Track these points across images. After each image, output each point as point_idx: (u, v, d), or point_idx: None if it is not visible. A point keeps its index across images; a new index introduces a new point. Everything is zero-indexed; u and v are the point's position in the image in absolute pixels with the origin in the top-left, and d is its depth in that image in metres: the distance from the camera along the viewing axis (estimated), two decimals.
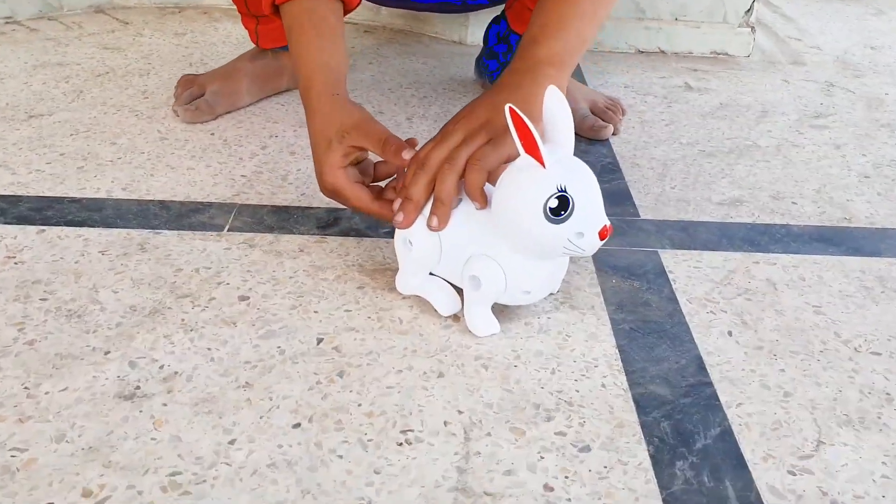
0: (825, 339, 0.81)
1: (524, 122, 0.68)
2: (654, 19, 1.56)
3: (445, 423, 0.69)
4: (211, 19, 1.65)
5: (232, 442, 0.66)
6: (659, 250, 0.95)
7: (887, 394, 0.74)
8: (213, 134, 1.18)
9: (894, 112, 1.37)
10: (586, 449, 0.67)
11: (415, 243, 0.79)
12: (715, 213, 1.03)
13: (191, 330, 0.78)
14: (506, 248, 0.74)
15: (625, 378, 0.75)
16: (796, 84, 1.48)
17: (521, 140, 0.69)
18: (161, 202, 0.99)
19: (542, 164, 0.69)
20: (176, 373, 0.73)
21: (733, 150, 1.21)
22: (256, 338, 0.78)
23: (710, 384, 0.75)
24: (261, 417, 0.68)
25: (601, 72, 1.48)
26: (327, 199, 0.89)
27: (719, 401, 0.73)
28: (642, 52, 1.59)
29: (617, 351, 0.78)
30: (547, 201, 0.69)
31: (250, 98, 1.27)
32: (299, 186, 1.04)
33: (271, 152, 1.13)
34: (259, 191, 1.03)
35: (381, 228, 0.96)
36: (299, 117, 1.24)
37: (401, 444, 0.66)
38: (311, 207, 1.00)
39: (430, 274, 0.82)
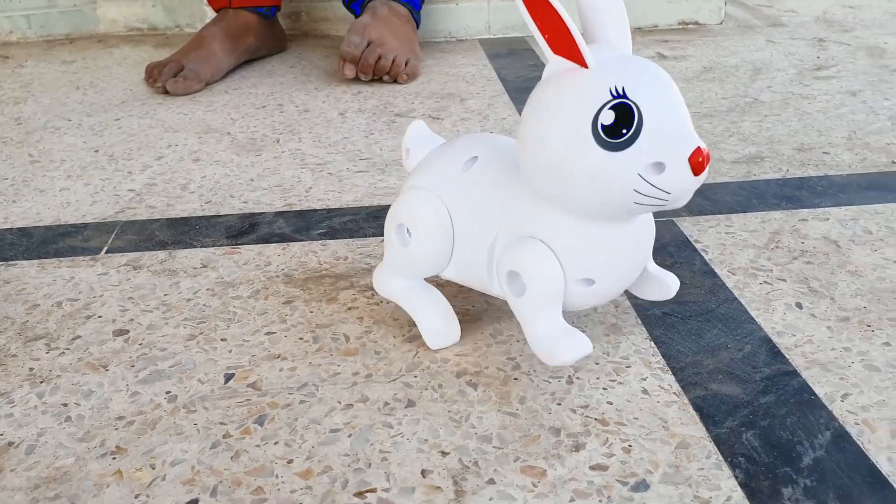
0: None
1: (544, 1, 0.43)
2: None
3: (424, 473, 0.45)
4: (106, 46, 1.43)
5: None
6: (674, 219, 0.72)
7: None
8: (97, 151, 0.94)
9: None
10: (641, 486, 0.43)
11: (414, 236, 0.53)
12: (734, 173, 0.82)
13: (40, 382, 0.53)
14: (550, 214, 0.47)
15: (672, 378, 0.52)
16: (783, 43, 1.29)
17: (542, 32, 0.44)
18: (21, 229, 0.75)
19: (584, 64, 0.44)
20: (10, 444, 0.48)
21: (733, 108, 1.00)
22: (135, 383, 0.53)
23: (796, 373, 0.52)
24: (136, 497, 0.43)
25: None
26: (240, 205, 0.66)
27: (815, 394, 0.50)
28: None
29: (652, 343, 0.55)
30: (598, 115, 0.43)
31: (228, 59, 1.19)
32: (204, 195, 0.81)
33: (169, 162, 0.89)
34: (151, 204, 0.79)
35: (313, 230, 0.73)
36: (206, 123, 1.01)
37: None
38: (220, 216, 0.76)
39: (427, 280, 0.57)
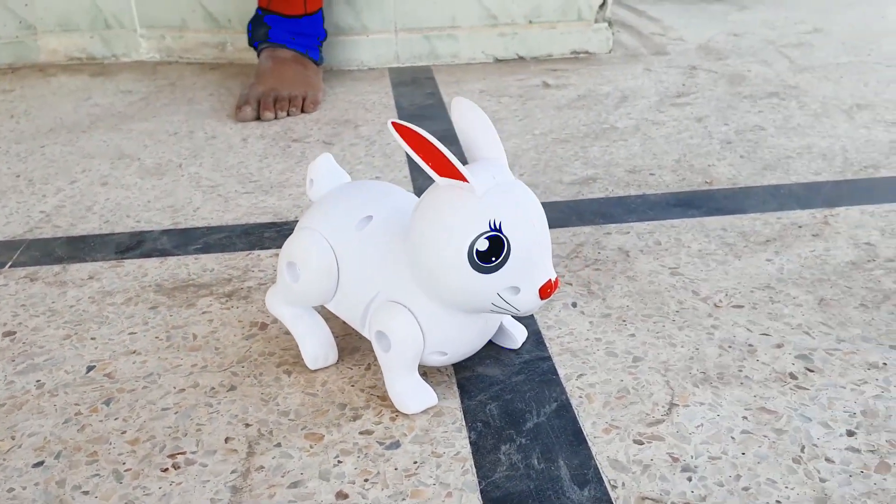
0: (682, 298, 0.72)
1: (420, 136, 0.50)
2: (508, 24, 1.50)
3: (227, 440, 0.57)
4: (45, 75, 1.54)
5: None
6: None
7: (749, 345, 0.65)
8: (18, 176, 1.05)
9: (757, 85, 1.32)
10: (395, 445, 0.55)
11: (302, 272, 0.61)
12: (565, 193, 0.95)
13: None
14: (421, 296, 0.56)
15: (452, 365, 0.64)
16: (658, 71, 1.42)
17: (425, 161, 0.51)
18: None
19: (466, 181, 0.51)
20: None
21: (589, 134, 1.13)
22: (13, 374, 0.65)
23: (549, 358, 0.64)
24: None
25: (456, 81, 1.41)
26: (133, 224, 0.79)
27: (557, 374, 0.62)
28: (500, 59, 1.52)
29: None
30: (474, 242, 0.51)
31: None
32: (104, 215, 0.93)
33: (80, 186, 1.01)
34: (56, 224, 0.91)
35: (191, 245, 0.85)
36: (120, 150, 1.12)
37: (166, 470, 0.54)
38: (114, 234, 0.88)
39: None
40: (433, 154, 0.51)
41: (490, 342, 0.66)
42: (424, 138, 0.51)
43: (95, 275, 0.80)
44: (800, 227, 0.84)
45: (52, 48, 1.58)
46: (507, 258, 0.51)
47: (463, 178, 0.51)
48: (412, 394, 0.59)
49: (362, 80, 1.45)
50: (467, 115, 0.55)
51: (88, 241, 0.87)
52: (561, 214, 0.89)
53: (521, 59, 1.52)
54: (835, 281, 0.74)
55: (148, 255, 0.83)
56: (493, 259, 0.51)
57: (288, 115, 1.24)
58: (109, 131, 1.21)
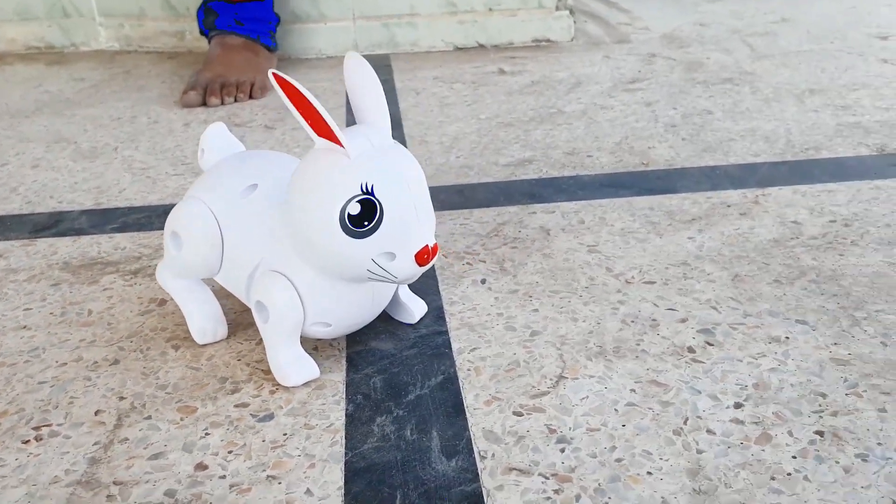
0: (594, 275, 0.70)
1: (297, 90, 0.49)
2: (468, 11, 1.48)
3: (97, 413, 0.55)
4: (2, 63, 1.53)
5: None
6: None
7: (653, 320, 0.63)
8: None
9: (713, 72, 1.30)
10: (268, 418, 0.54)
11: (185, 241, 0.59)
12: (498, 175, 0.93)
13: None
14: (302, 265, 0.54)
15: (344, 339, 0.62)
16: (617, 58, 1.40)
17: (303, 118, 0.50)
18: None
19: (341, 145, 0.50)
20: None
21: (534, 118, 1.11)
22: None
23: (445, 332, 0.62)
24: None
25: (412, 69, 1.39)
26: (55, 205, 0.82)
27: (451, 348, 0.61)
28: (460, 48, 1.50)
29: None
30: (346, 206, 0.49)
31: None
32: (27, 196, 0.91)
33: (10, 168, 1.00)
34: None
35: (108, 225, 0.83)
36: (59, 134, 1.11)
37: (27, 442, 0.52)
38: (33, 214, 0.87)
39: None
40: (312, 113, 0.50)
41: (387, 316, 0.64)
42: (304, 96, 0.49)
43: (4, 253, 0.78)
44: (728, 206, 0.82)
45: (10, 37, 1.57)
46: (380, 222, 0.50)
47: (338, 141, 0.50)
48: (293, 366, 0.57)
49: (318, 68, 1.43)
50: (356, 73, 0.53)
51: (5, 221, 0.85)
52: (489, 195, 0.87)
53: (482, 46, 1.50)
54: (753, 258, 0.72)
55: (63, 235, 0.82)
56: (366, 223, 0.50)
57: (235, 100, 1.23)
58: (52, 116, 1.20)
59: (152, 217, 0.85)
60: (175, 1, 1.51)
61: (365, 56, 1.45)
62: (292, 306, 0.54)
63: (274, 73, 0.49)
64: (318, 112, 0.49)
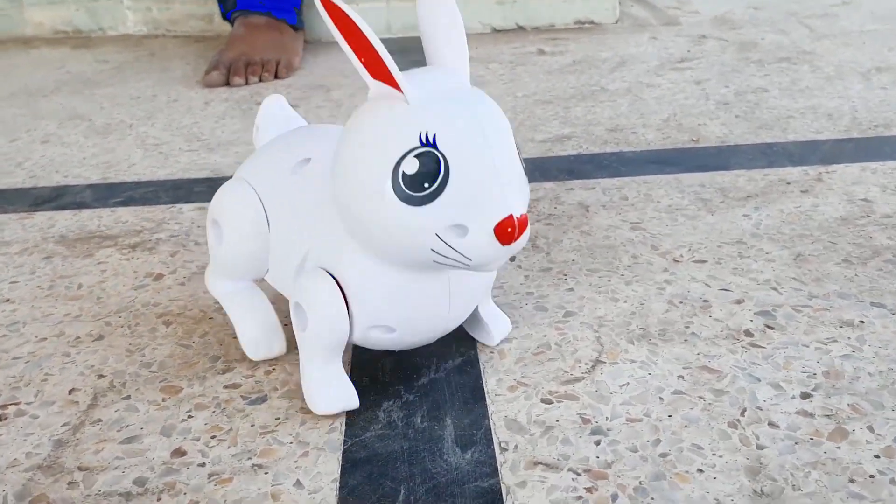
0: (638, 253, 0.62)
1: (348, 17, 0.38)
2: None
3: (71, 392, 0.49)
4: (28, 48, 1.49)
5: None
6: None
7: (704, 301, 0.55)
8: None
9: (768, 51, 1.21)
10: (260, 400, 0.47)
11: (225, 230, 0.49)
12: (534, 151, 0.85)
13: None
14: (355, 252, 0.42)
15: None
16: (665, 39, 1.32)
17: (357, 56, 0.39)
18: None
19: (400, 90, 0.38)
20: None
21: (575, 96, 1.04)
22: None
23: None
24: None
25: None
26: (60, 179, 0.78)
27: None
28: (498, 30, 1.43)
29: None
30: (400, 163, 0.38)
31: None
32: (33, 170, 0.86)
33: (19, 144, 0.95)
34: None
35: (112, 199, 0.77)
36: (74, 112, 1.06)
37: None
38: (35, 188, 0.81)
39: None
40: (366, 49, 0.38)
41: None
42: (358, 27, 0.38)
43: (1, 226, 0.73)
44: (788, 183, 0.74)
45: (38, 21, 1.54)
46: (446, 184, 0.37)
47: (396, 84, 0.38)
48: (326, 389, 0.45)
49: None
50: (434, 11, 0.41)
51: (5, 194, 0.80)
52: None
53: (521, 28, 1.43)
54: (818, 237, 0.64)
55: (63, 208, 0.76)
56: (427, 185, 0.37)
57: (260, 80, 1.17)
58: (70, 95, 1.15)
59: (159, 191, 0.79)
60: None
61: (398, 38, 1.39)
62: (336, 316, 0.43)
63: (322, 1, 0.38)
64: (374, 48, 0.38)
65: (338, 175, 0.40)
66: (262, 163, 0.49)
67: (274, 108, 0.54)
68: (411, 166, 0.37)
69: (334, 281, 0.43)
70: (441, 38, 0.42)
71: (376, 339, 0.45)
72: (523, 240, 0.39)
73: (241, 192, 0.48)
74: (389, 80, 0.38)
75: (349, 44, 0.38)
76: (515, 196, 0.39)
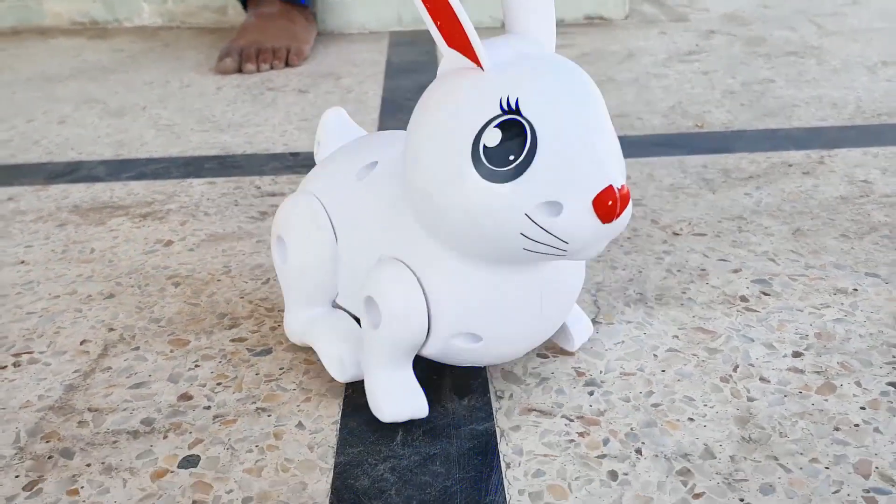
0: (638, 226, 0.64)
1: None
2: None
3: (82, 343, 0.50)
4: (46, 38, 1.52)
5: None
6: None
7: (702, 269, 0.56)
8: None
9: (776, 46, 1.22)
10: (265, 353, 0.48)
11: (289, 245, 0.45)
12: None
13: None
14: (433, 250, 0.38)
15: None
16: (673, 34, 1.33)
17: (434, 20, 0.35)
18: None
19: (478, 63, 0.35)
20: None
21: None
22: None
23: None
24: None
25: None
26: (74, 156, 0.80)
27: None
28: None
29: None
30: (481, 133, 0.34)
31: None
32: (49, 148, 0.88)
33: (36, 124, 0.97)
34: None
35: (125, 173, 0.79)
36: (90, 96, 1.08)
37: (3, 368, 0.48)
38: (50, 163, 0.83)
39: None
40: (446, 12, 0.34)
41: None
42: None
43: (16, 196, 0.75)
44: (790, 165, 0.75)
45: (56, 11, 1.56)
46: (534, 155, 0.33)
47: (474, 55, 0.35)
48: (393, 394, 0.41)
49: (360, 41, 1.39)
50: None
51: (21, 169, 0.82)
52: None
53: None
54: (817, 213, 0.65)
55: (77, 182, 0.78)
56: (512, 158, 0.33)
57: (272, 67, 1.19)
58: (86, 81, 1.17)
59: (171, 167, 0.81)
60: None
61: (408, 31, 1.40)
62: (414, 309, 0.38)
63: None
64: (453, 11, 0.34)
65: (410, 162, 0.36)
66: (326, 173, 0.46)
67: (334, 121, 0.50)
68: (493, 138, 0.33)
69: (413, 273, 0.38)
70: (524, 5, 0.37)
71: (459, 349, 0.40)
72: (626, 217, 0.34)
73: (304, 204, 0.44)
74: (466, 50, 0.35)
75: (426, 5, 0.35)
76: (614, 165, 0.34)
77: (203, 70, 1.21)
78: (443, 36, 0.35)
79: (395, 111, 0.97)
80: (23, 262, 0.62)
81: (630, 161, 0.77)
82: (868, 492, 0.37)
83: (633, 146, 0.81)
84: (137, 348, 0.50)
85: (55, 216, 0.70)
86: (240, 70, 1.17)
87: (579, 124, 0.34)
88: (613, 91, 1.01)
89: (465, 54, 0.35)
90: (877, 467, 0.38)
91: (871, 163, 0.75)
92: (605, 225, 0.34)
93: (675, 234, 0.62)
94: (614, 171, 0.34)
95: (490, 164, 0.33)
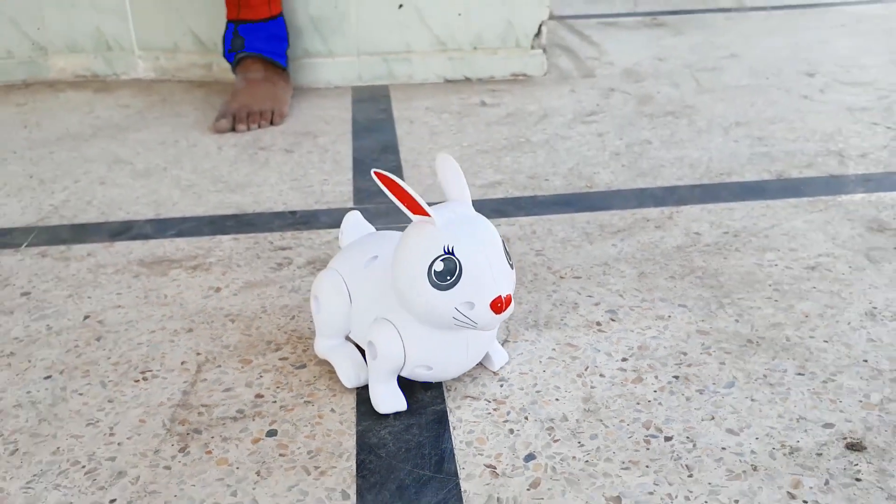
0: (538, 272, 0.95)
1: (393, 181, 0.63)
2: (456, 50, 1.73)
3: (182, 363, 0.80)
4: (55, 90, 1.77)
5: None
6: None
7: (575, 303, 0.88)
8: (31, 177, 1.29)
9: (659, 105, 1.55)
10: (302, 366, 0.78)
11: (322, 303, 0.74)
12: (474, 194, 1.17)
13: None
14: (406, 315, 0.66)
15: None
16: (581, 92, 1.65)
17: (400, 201, 0.63)
18: None
19: (428, 215, 0.62)
20: None
21: (506, 146, 1.36)
22: (29, 321, 0.88)
23: None
24: (17, 375, 0.78)
25: (407, 98, 1.64)
26: (124, 215, 1.04)
27: None
28: (449, 80, 1.75)
29: None
30: (432, 264, 0.62)
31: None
32: (101, 207, 1.16)
33: (82, 184, 1.24)
34: (62, 214, 1.14)
35: (168, 231, 1.08)
36: (116, 156, 1.35)
37: (137, 381, 0.77)
38: (108, 222, 1.11)
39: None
40: (406, 197, 0.63)
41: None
42: (399, 185, 0.63)
43: (92, 252, 1.03)
44: (647, 220, 1.07)
45: (61, 67, 1.82)
46: (460, 277, 0.61)
47: (427, 214, 0.63)
48: (385, 396, 0.70)
49: (327, 96, 1.68)
50: (445, 167, 0.67)
51: (88, 228, 1.10)
52: None
53: (468, 79, 1.75)
54: (658, 260, 0.97)
55: (134, 238, 1.06)
56: (448, 278, 0.61)
57: (259, 126, 1.48)
58: (108, 140, 1.44)
59: (201, 225, 1.10)
60: (204, 38, 1.76)
61: (366, 87, 1.71)
62: (396, 351, 0.67)
63: (376, 172, 0.63)
64: (411, 196, 0.62)
65: (394, 273, 0.65)
66: (346, 258, 0.74)
67: (352, 220, 0.80)
68: (439, 266, 0.61)
69: (396, 329, 0.67)
70: (452, 184, 0.66)
71: (420, 374, 0.69)
72: (510, 310, 0.63)
73: (332, 278, 0.73)
74: (423, 213, 0.63)
75: (396, 196, 0.63)
76: (503, 283, 0.63)
77: (202, 128, 1.49)
78: (408, 209, 0.64)
79: (365, 171, 1.27)
80: (119, 306, 0.91)
81: (537, 219, 1.09)
82: (647, 438, 0.68)
83: (539, 206, 1.13)
84: (220, 366, 0.79)
85: (128, 269, 0.99)
86: (234, 129, 1.46)
87: (485, 259, 0.63)
88: (529, 152, 1.33)
89: (423, 215, 0.63)
90: (655, 425, 0.70)
91: (705, 217, 1.08)
92: (497, 315, 0.62)
93: (562, 277, 0.94)
94: (504, 286, 0.63)
95: (437, 280, 0.62)
